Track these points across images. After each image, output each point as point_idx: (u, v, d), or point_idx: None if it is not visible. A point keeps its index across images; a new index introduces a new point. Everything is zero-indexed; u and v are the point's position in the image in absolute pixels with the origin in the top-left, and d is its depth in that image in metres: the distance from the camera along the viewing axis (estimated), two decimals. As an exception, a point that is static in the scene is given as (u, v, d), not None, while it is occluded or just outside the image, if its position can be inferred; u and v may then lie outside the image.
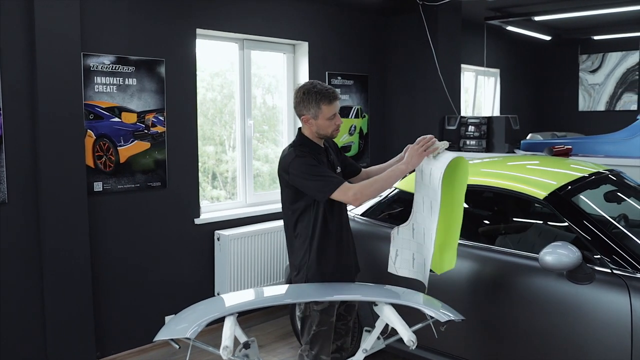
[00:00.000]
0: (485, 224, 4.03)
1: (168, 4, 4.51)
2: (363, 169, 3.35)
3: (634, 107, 8.87)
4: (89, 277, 4.09)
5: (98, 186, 4.20)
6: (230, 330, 2.21)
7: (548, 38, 8.46)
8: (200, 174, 4.88)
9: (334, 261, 2.95)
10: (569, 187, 3.48)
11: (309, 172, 2.79)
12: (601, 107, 9.23)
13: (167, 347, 4.43)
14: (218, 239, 4.86)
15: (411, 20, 6.17)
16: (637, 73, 8.86)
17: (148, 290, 4.54)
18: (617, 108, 9.07)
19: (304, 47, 5.64)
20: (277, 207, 5.39)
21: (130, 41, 4.32)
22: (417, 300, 2.59)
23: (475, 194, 3.88)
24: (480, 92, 8.62)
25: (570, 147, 5.63)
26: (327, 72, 5.82)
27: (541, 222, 3.87)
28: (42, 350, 3.97)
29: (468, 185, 3.67)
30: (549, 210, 3.42)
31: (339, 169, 3.11)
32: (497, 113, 8.69)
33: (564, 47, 9.38)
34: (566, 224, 3.32)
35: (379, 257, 3.81)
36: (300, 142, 2.99)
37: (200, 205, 4.87)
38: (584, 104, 9.40)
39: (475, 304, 3.42)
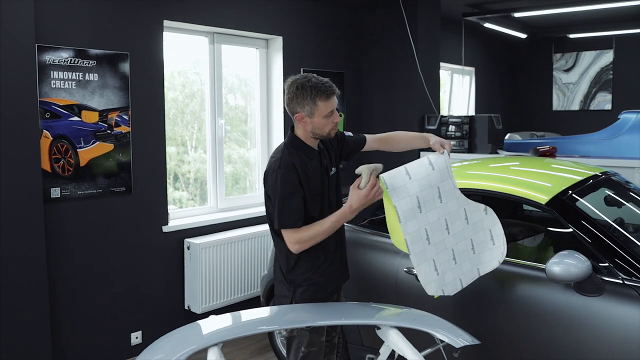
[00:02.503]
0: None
1: (132, -8, 4.14)
2: (372, 136, 3.09)
3: (609, 106, 8.79)
4: (45, 291, 3.69)
5: (55, 192, 3.80)
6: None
7: (524, 36, 8.31)
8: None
9: (320, 268, 2.71)
10: (570, 191, 3.25)
11: (280, 192, 2.55)
12: (575, 106, 9.13)
13: (134, 367, 4.06)
14: (188, 248, 4.50)
15: (390, 15, 5.91)
16: (611, 72, 8.78)
17: (112, 305, 4.16)
18: (592, 107, 8.99)
19: (278, 42, 5.31)
20: (251, 212, 5.09)
21: (91, 33, 3.93)
22: (426, 322, 2.30)
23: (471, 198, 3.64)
24: (455, 91, 8.42)
25: (555, 147, 5.45)
26: (302, 69, 5.50)
27: (541, 227, 3.64)
28: (-7, 375, 3.56)
29: (464, 189, 3.45)
30: (551, 216, 3.18)
31: (333, 170, 2.83)
32: (472, 112, 8.50)
33: (539, 46, 9.26)
34: (570, 230, 3.08)
35: (365, 268, 3.56)
36: (292, 144, 2.68)
37: (169, 211, 4.50)
38: (558, 104, 9.29)
39: (474, 317, 3.16)
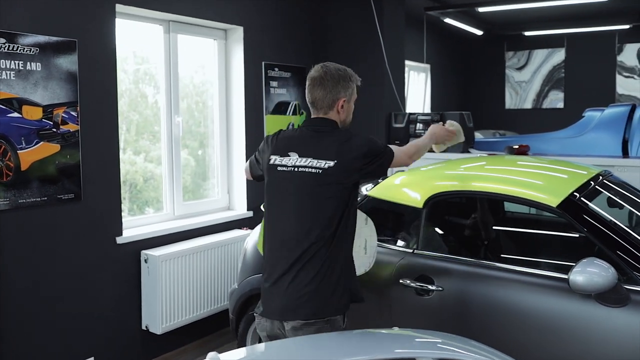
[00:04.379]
0: (489, 237, 3.49)
1: (80, -29, 3.63)
2: None
3: (561, 105, 8.79)
4: (-18, 317, 3.15)
5: (-8, 201, 3.26)
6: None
7: (480, 33, 8.18)
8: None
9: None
10: (579, 192, 3.00)
11: (380, 141, 2.61)
12: (528, 104, 9.10)
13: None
14: (145, 261, 4.02)
15: (355, 9, 5.58)
16: (563, 71, 8.78)
17: (61, 329, 3.63)
18: (544, 106, 8.97)
19: (238, 32, 4.88)
20: (212, 218, 4.65)
21: (32, 15, 3.40)
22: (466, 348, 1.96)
23: (471, 201, 3.36)
24: (410, 89, 8.20)
25: (528, 145, 5.28)
26: (263, 63, 5.09)
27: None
28: None
29: (461, 192, 3.18)
30: (564, 220, 2.91)
31: None
32: (427, 110, 8.31)
33: (492, 44, 9.18)
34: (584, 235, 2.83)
35: (362, 284, 3.20)
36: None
37: (123, 220, 4.01)
38: (510, 102, 9.25)
39: (487, 330, 2.85)
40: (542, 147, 6.09)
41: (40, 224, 3.50)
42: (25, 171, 3.39)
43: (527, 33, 8.68)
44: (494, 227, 3.56)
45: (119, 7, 3.90)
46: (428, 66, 8.23)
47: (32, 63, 3.39)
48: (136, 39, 4.37)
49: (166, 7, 4.22)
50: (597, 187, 3.17)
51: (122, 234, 3.97)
